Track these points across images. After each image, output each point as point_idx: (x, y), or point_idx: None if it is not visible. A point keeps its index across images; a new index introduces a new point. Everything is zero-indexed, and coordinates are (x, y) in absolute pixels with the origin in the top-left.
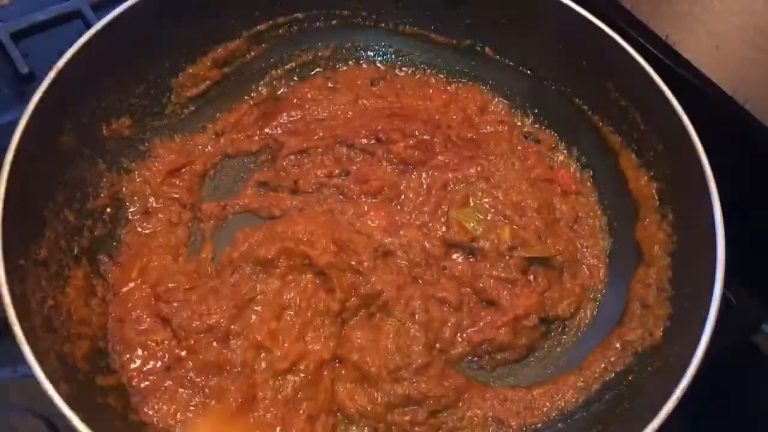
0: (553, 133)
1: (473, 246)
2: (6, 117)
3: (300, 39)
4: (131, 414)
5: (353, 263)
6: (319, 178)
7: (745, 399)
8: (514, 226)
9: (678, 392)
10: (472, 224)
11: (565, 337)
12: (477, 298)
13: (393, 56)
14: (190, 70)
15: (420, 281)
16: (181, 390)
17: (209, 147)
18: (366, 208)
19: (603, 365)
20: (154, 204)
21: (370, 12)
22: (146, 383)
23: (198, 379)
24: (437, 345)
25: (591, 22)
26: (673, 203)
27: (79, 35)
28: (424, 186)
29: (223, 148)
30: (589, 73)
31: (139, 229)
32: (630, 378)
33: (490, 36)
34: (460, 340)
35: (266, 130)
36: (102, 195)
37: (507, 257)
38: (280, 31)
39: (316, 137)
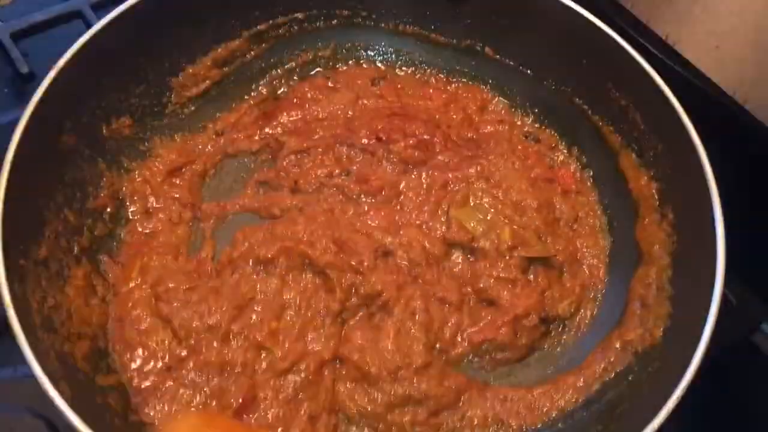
0: (553, 132)
1: (473, 246)
2: (6, 117)
3: (300, 39)
4: (131, 414)
5: (353, 263)
6: (320, 178)
7: (745, 399)
8: (515, 226)
9: (678, 392)
10: (472, 224)
11: (565, 336)
12: (477, 298)
13: (393, 56)
14: (190, 70)
15: (420, 281)
16: (181, 390)
17: (209, 147)
18: (366, 207)
19: (603, 365)
20: (155, 203)
21: (370, 12)
22: (147, 383)
23: (199, 380)
24: (437, 345)
25: (591, 22)
26: (673, 203)
27: (79, 35)
28: (424, 186)
29: (223, 148)
30: (589, 73)
31: (140, 229)
32: (630, 378)
33: (490, 36)
34: (460, 339)
35: (266, 130)
36: (102, 194)
37: (507, 257)
38: (280, 31)
39: (317, 137)
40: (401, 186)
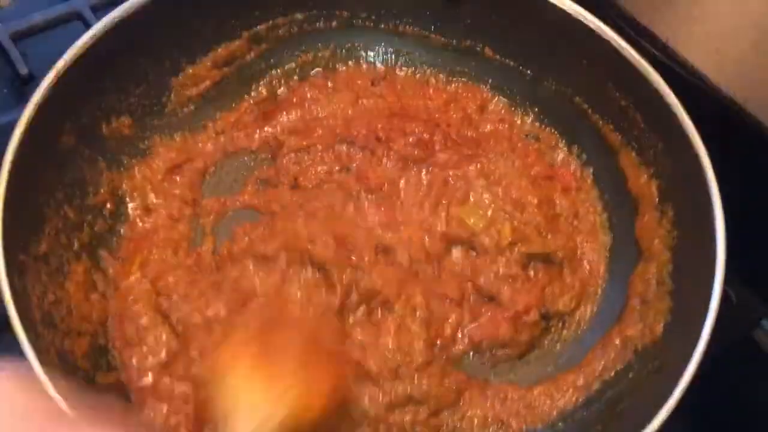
0: (553, 131)
1: (473, 242)
2: (6, 117)
3: (300, 39)
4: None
5: (353, 259)
6: (319, 175)
7: (745, 397)
8: (515, 222)
9: (678, 391)
10: (472, 220)
11: (565, 332)
12: (477, 295)
13: (393, 56)
14: (190, 70)
15: (420, 277)
16: (181, 388)
17: (209, 145)
18: (366, 204)
19: (603, 363)
20: (155, 200)
21: (370, 12)
22: (146, 380)
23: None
24: (438, 342)
25: (591, 23)
26: (674, 201)
27: (79, 36)
28: (424, 183)
29: (223, 147)
30: (589, 73)
31: (140, 225)
32: (630, 376)
33: (490, 36)
34: (460, 336)
35: (266, 129)
36: (102, 192)
37: (507, 253)
38: (280, 31)
39: (316, 136)
40: (401, 183)
